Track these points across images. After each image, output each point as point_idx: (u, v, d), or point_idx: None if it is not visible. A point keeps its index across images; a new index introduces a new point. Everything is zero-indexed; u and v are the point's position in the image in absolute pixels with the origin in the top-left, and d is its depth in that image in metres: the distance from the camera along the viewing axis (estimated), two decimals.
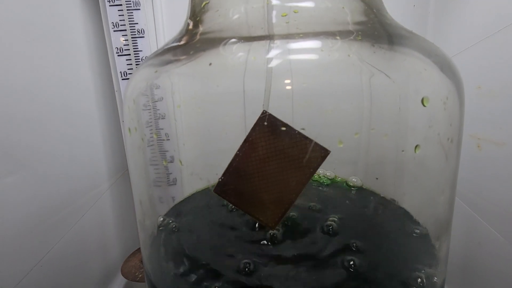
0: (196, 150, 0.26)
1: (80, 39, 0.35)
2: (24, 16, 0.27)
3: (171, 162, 0.30)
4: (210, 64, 0.16)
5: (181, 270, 0.18)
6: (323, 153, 0.16)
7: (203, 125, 0.24)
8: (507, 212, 0.27)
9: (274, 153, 0.16)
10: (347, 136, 0.20)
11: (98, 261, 0.38)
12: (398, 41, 0.16)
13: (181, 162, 0.28)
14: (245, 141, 0.16)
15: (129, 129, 0.19)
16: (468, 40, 0.31)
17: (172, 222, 0.21)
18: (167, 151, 0.30)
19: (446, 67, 0.15)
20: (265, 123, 0.16)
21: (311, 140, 0.16)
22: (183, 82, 0.19)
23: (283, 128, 0.16)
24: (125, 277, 0.36)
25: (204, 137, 0.25)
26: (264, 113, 0.16)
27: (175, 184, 0.35)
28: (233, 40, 0.16)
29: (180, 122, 0.25)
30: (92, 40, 0.36)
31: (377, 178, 0.25)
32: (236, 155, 0.16)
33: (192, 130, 0.25)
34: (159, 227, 0.21)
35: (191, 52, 0.17)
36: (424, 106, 0.15)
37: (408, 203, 0.21)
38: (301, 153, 0.16)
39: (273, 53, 0.15)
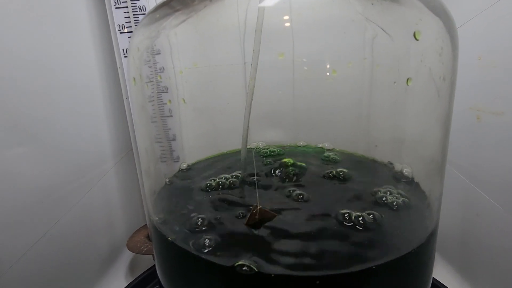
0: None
1: (82, 17, 0.35)
2: None
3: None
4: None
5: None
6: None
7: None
8: (505, 181, 0.27)
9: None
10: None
11: (105, 236, 0.39)
12: None
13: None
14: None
15: (134, 78, 0.20)
16: (470, 11, 0.31)
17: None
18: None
19: (439, 10, 0.15)
20: (256, 217, 0.19)
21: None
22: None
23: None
24: (131, 251, 0.37)
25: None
26: (256, 207, 0.19)
27: (178, 160, 0.36)
28: None
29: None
30: (95, 18, 0.36)
31: (376, 146, 0.25)
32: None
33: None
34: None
35: None
36: (416, 39, 0.15)
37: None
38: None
39: None
